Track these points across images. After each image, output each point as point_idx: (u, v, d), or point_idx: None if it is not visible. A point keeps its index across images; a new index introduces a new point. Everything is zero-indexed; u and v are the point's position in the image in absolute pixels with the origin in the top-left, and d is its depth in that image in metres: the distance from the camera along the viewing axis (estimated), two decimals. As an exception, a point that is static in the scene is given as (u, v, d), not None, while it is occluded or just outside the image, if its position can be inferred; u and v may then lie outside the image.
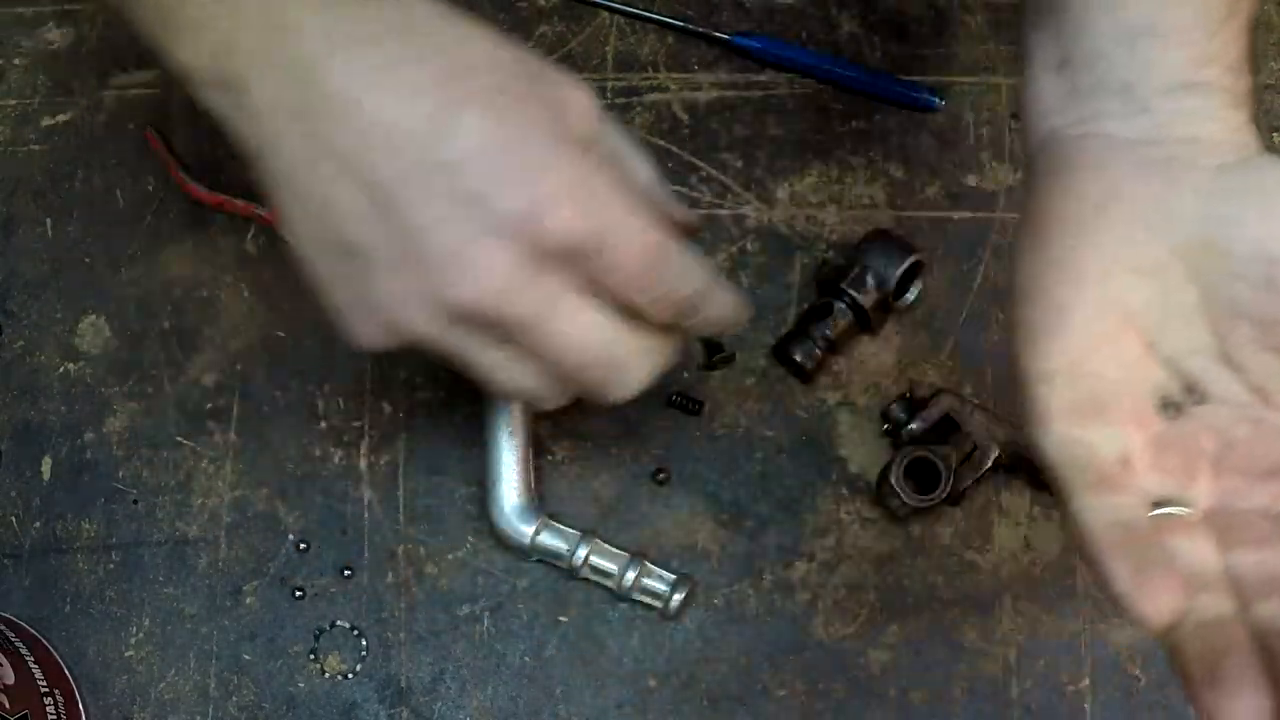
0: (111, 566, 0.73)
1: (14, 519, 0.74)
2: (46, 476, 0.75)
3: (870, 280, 0.72)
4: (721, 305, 0.52)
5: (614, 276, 0.46)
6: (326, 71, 0.44)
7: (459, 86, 0.45)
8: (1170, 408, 0.47)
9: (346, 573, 0.74)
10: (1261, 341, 0.45)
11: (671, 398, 0.76)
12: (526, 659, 0.73)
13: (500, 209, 0.44)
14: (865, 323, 0.74)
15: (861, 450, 0.76)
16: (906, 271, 0.73)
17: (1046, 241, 0.48)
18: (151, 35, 0.47)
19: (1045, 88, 0.51)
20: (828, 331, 0.74)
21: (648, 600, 0.72)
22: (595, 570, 0.71)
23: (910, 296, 0.74)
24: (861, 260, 0.73)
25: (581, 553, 0.71)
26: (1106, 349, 0.46)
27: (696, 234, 0.62)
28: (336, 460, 0.75)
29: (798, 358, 0.74)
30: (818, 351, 0.74)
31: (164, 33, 0.47)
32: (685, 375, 0.77)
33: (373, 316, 0.48)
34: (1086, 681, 0.74)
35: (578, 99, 0.48)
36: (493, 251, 0.45)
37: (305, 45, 0.44)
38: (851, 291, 0.73)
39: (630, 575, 0.71)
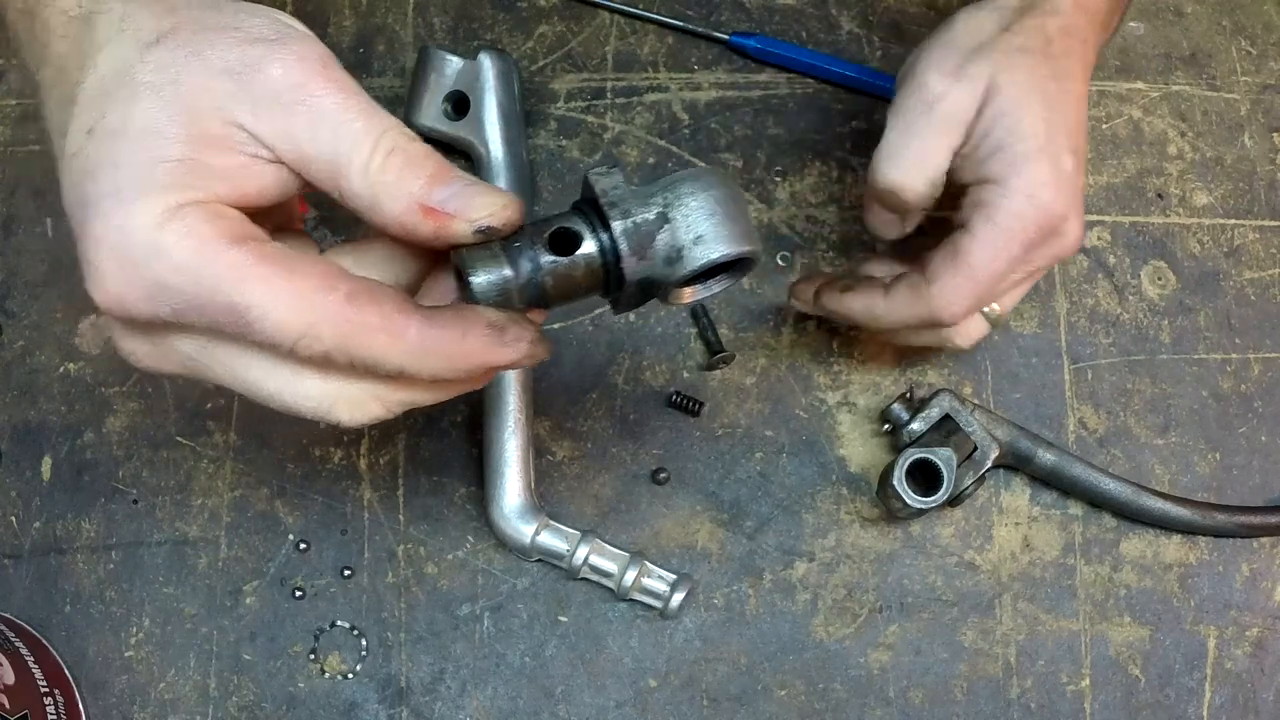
0: (111, 566, 0.73)
1: (14, 519, 0.74)
2: (46, 476, 0.75)
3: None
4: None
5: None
6: None
7: None
8: None
9: (346, 573, 0.74)
10: None
11: (671, 398, 0.76)
12: (526, 659, 0.73)
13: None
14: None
15: (861, 450, 0.76)
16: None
17: None
18: None
19: None
20: None
21: (647, 600, 0.72)
22: (595, 570, 0.71)
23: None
24: None
25: (581, 553, 0.71)
26: None
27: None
28: (336, 460, 0.75)
29: None
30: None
31: None
32: (685, 375, 0.77)
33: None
34: (1086, 681, 0.74)
35: None
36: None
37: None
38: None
39: (630, 575, 0.71)
